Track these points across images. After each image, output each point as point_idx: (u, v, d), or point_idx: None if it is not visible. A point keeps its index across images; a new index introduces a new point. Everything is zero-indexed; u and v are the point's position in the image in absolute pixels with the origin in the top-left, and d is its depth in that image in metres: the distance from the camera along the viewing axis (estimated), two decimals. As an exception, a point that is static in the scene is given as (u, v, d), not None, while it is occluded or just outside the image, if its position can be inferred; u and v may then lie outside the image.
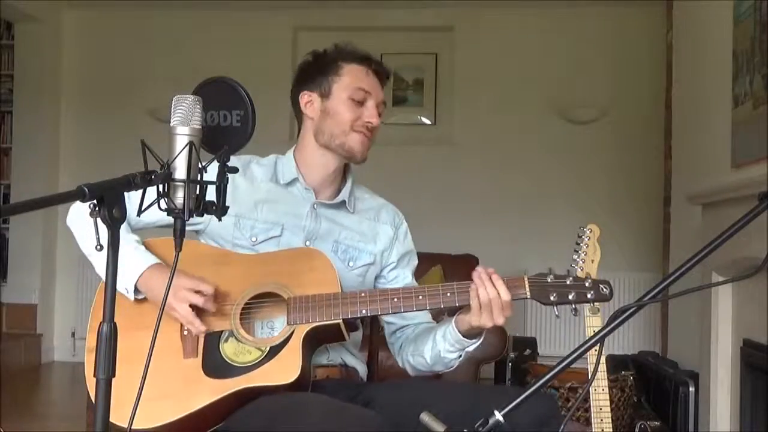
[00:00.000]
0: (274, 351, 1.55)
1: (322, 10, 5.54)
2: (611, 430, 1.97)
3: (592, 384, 1.97)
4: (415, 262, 1.89)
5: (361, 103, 1.72)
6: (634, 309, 1.12)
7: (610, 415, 1.97)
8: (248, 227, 1.71)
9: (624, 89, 5.35)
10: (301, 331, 1.55)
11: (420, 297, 1.58)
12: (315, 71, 1.77)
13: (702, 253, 1.14)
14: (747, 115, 2.78)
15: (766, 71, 2.60)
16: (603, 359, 1.88)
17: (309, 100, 1.77)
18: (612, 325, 1.12)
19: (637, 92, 5.29)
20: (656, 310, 4.80)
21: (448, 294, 1.57)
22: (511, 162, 5.44)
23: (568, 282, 1.55)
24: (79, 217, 1.70)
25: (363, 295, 1.58)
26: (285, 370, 1.52)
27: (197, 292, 1.55)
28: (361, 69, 1.75)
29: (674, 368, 3.73)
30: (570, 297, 1.54)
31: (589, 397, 1.99)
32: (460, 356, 1.69)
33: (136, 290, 1.60)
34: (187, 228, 1.69)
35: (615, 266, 4.96)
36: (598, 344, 1.13)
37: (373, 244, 1.80)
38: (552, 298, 1.54)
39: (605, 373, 2.00)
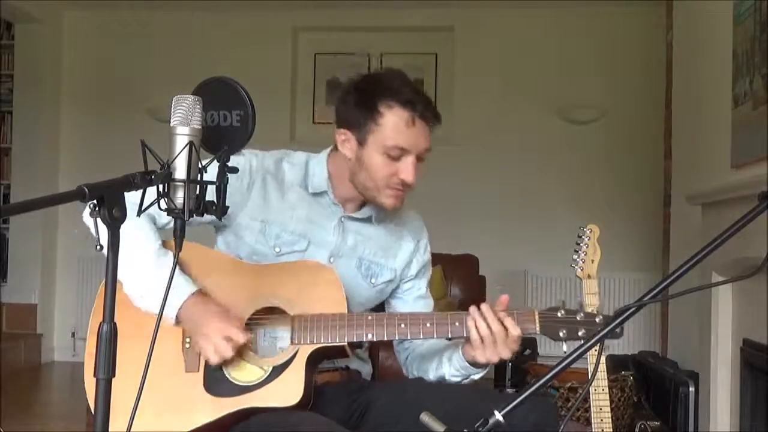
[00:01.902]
0: (277, 371, 1.52)
1: (322, 10, 5.54)
2: (611, 430, 1.96)
3: (592, 384, 1.97)
4: (431, 272, 1.86)
5: (398, 158, 1.59)
6: (634, 309, 1.12)
7: (610, 415, 1.97)
8: (274, 235, 1.66)
9: (624, 89, 5.35)
10: (305, 351, 1.53)
11: (428, 324, 1.55)
12: (355, 108, 1.61)
13: (702, 253, 1.14)
14: (747, 115, 2.78)
15: (766, 71, 2.60)
16: (603, 359, 1.88)
17: (345, 139, 1.64)
18: (612, 325, 1.12)
19: (637, 92, 5.29)
20: (656, 310, 4.80)
21: (457, 323, 1.54)
22: (511, 162, 5.44)
23: (578, 318, 1.53)
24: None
25: (370, 318, 1.55)
26: (287, 392, 1.50)
27: (228, 338, 1.50)
28: (404, 116, 1.57)
29: (674, 368, 3.73)
30: (580, 334, 1.52)
31: (589, 397, 1.99)
32: (466, 380, 1.65)
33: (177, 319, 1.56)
34: (215, 224, 1.68)
35: (615, 266, 4.97)
36: (598, 344, 1.13)
37: (393, 260, 1.76)
38: (561, 334, 1.52)
39: (605, 373, 1.99)
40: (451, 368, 1.63)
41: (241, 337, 1.51)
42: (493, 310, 1.52)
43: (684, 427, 3.37)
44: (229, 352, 1.51)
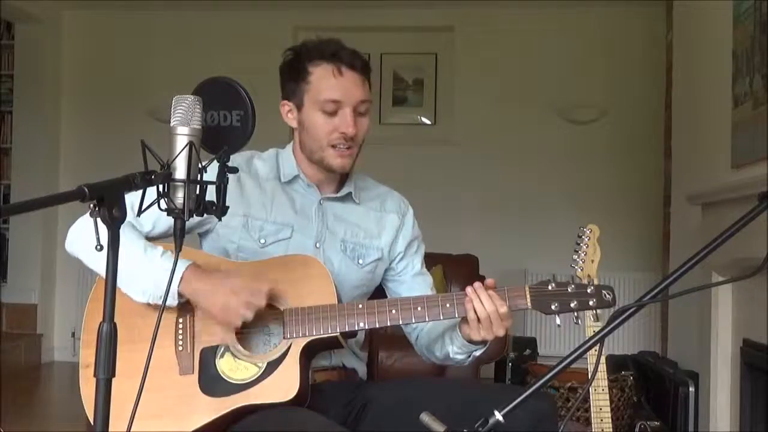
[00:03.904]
0: (272, 366, 1.53)
1: (322, 10, 5.54)
2: (611, 430, 1.97)
3: (592, 384, 1.97)
4: (423, 248, 1.86)
5: (334, 113, 1.64)
6: (634, 309, 1.12)
7: (610, 415, 1.98)
8: (257, 228, 1.67)
9: (624, 89, 5.35)
10: (299, 345, 1.53)
11: (419, 308, 1.55)
12: (287, 78, 1.69)
13: (702, 253, 1.14)
14: (747, 115, 2.78)
15: (766, 71, 2.60)
16: (603, 359, 1.88)
17: (289, 109, 1.71)
18: (612, 325, 1.12)
19: (637, 92, 5.29)
20: (656, 310, 4.80)
21: (447, 305, 1.55)
22: (511, 162, 5.44)
23: (569, 290, 1.51)
24: (80, 239, 1.63)
25: (360, 306, 1.56)
26: (283, 387, 1.50)
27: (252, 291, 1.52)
28: (330, 70, 1.62)
29: (674, 368, 3.73)
30: (572, 305, 1.50)
31: (589, 397, 1.99)
32: (470, 357, 1.67)
33: (179, 295, 1.54)
34: (198, 230, 1.69)
35: (615, 266, 4.96)
36: (598, 344, 1.13)
37: (378, 239, 1.77)
38: (553, 307, 1.50)
39: (605, 373, 2.00)
40: (453, 347, 1.65)
41: (263, 285, 1.51)
42: (483, 288, 1.53)
43: (684, 427, 3.37)
44: (261, 301, 1.51)
